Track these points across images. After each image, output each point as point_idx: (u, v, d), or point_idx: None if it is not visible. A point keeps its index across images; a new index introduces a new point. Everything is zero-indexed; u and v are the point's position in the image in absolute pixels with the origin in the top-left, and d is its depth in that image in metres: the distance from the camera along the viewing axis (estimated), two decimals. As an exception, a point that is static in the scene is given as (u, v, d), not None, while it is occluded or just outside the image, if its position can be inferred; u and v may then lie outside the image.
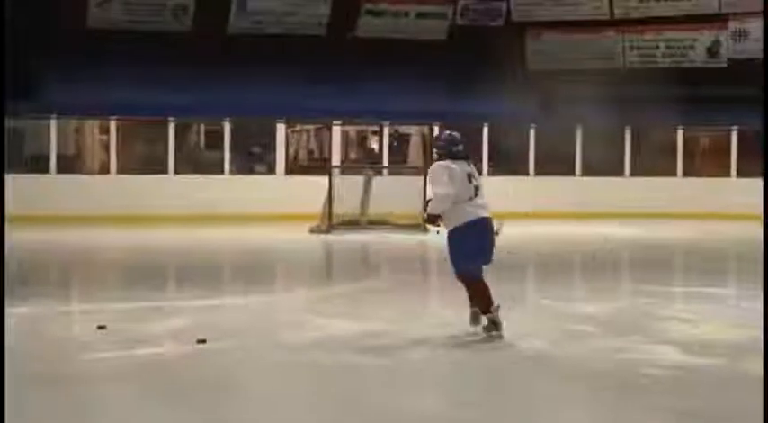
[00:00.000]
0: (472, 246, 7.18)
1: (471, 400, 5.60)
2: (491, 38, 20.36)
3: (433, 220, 7.26)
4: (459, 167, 7.21)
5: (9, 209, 17.85)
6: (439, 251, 15.13)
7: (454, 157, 7.27)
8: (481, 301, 7.28)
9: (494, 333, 7.18)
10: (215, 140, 20.05)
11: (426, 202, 7.38)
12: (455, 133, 7.43)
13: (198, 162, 20.02)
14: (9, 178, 17.99)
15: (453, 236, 7.25)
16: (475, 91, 19.73)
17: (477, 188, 7.25)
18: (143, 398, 5.56)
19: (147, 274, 11.75)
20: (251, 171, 20.29)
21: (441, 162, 7.26)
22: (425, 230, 16.84)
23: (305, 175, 19.91)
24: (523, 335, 7.43)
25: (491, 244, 7.27)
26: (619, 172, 21.68)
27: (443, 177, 7.14)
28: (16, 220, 16.97)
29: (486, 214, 7.25)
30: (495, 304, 7.24)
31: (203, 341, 6.89)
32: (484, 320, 7.33)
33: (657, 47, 21.23)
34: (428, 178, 7.42)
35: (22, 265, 12.35)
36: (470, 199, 7.18)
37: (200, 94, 18.86)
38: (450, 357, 6.79)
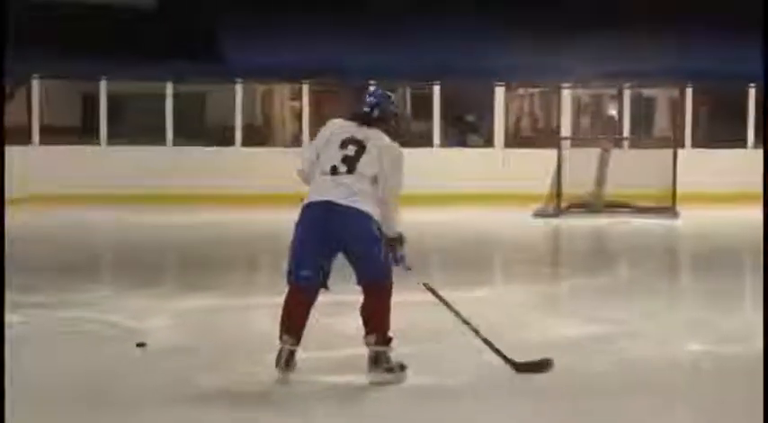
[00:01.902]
0: (301, 240, 6.09)
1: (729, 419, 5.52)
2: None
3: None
4: (335, 127, 6.23)
5: (191, 184, 18.59)
6: (694, 240, 14.91)
7: (353, 117, 6.29)
8: (282, 324, 6.10)
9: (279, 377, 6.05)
10: (422, 107, 20.26)
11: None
12: (386, 93, 6.40)
13: (402, 132, 20.28)
14: (191, 150, 18.91)
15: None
16: (741, 45, 19.14)
17: (348, 161, 6.05)
18: (352, 406, 5.77)
19: (339, 263, 12.08)
20: (464, 143, 20.42)
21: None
22: (676, 215, 16.56)
23: (528, 148, 19.86)
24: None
25: (327, 247, 6.07)
26: None
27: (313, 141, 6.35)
28: (194, 199, 17.80)
29: (340, 201, 5.99)
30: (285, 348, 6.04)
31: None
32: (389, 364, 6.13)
33: None
34: None
35: (201, 251, 12.92)
36: (328, 172, 6.06)
37: (404, 53, 19.10)
38: (700, 368, 6.71)
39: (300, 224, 6.10)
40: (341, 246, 6.06)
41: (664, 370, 6.59)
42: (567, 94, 20.41)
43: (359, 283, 6.12)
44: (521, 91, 21.52)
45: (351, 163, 6.04)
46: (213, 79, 19.48)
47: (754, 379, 6.34)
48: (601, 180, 17.24)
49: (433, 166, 18.84)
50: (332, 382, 6.14)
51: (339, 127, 6.21)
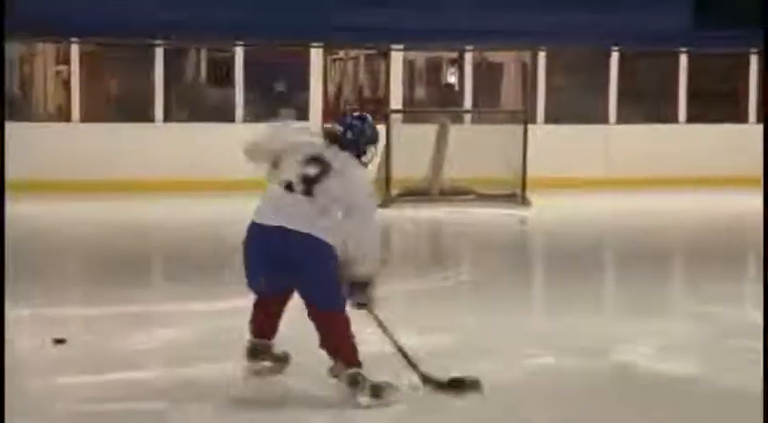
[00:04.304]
0: (249, 261, 6.60)
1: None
2: None
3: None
4: (299, 133, 6.78)
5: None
6: (548, 234, 15.08)
7: (326, 135, 6.61)
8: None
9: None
10: (222, 74, 20.15)
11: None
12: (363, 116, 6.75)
13: (197, 104, 20.10)
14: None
15: None
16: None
17: (306, 181, 6.38)
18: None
19: (117, 264, 11.93)
20: (274, 117, 20.40)
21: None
22: (527, 203, 16.85)
23: (351, 123, 19.96)
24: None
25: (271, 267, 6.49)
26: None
27: (276, 127, 6.98)
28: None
29: (277, 223, 6.38)
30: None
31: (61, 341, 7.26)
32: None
33: None
34: None
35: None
36: (282, 187, 6.45)
37: (199, 6, 18.97)
38: (547, 384, 6.90)
39: (245, 246, 6.53)
40: (292, 270, 6.39)
41: (511, 387, 6.77)
42: (397, 58, 20.56)
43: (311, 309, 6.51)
44: (341, 54, 21.60)
45: (309, 184, 6.34)
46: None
47: (614, 398, 6.57)
48: (437, 162, 17.38)
49: (235, 145, 18.72)
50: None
51: (303, 138, 6.58)
